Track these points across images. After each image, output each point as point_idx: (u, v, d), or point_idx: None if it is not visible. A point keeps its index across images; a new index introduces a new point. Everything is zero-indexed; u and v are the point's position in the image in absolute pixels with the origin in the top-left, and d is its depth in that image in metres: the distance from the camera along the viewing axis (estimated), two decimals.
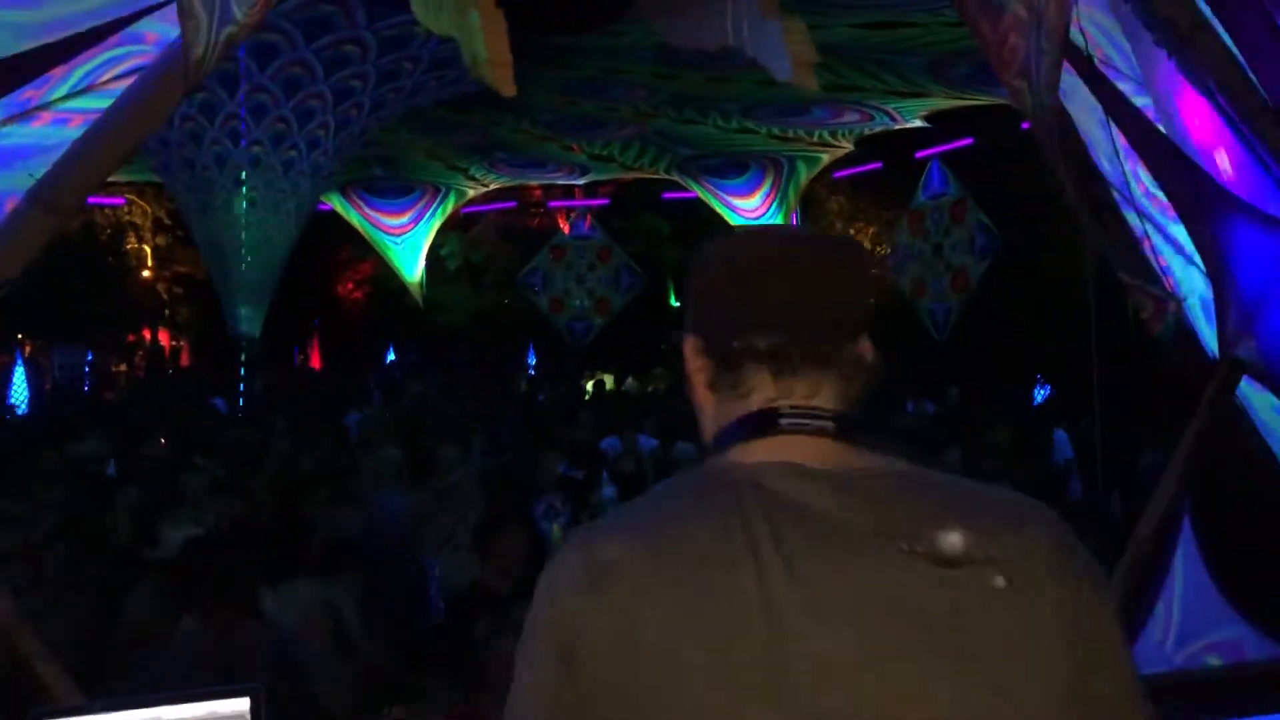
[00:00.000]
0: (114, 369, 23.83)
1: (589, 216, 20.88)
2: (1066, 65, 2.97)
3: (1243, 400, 3.47)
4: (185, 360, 26.40)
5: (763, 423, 1.26)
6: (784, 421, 1.26)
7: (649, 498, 1.27)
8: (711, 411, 1.33)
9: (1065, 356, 10.73)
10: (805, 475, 1.21)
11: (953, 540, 1.15)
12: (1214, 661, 3.46)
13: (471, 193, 20.56)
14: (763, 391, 1.28)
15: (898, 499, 1.20)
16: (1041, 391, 14.09)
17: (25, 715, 2.17)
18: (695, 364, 1.33)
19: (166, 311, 26.23)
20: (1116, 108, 3.02)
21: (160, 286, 26.02)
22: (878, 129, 16.26)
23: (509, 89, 5.86)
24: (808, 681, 1.10)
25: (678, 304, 24.98)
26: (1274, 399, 3.27)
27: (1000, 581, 1.14)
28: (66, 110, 2.91)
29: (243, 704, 2.50)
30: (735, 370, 1.29)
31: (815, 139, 16.98)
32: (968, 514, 1.19)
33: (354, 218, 20.33)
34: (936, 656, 1.12)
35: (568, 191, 22.68)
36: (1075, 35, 3.01)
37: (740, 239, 1.51)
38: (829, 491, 1.19)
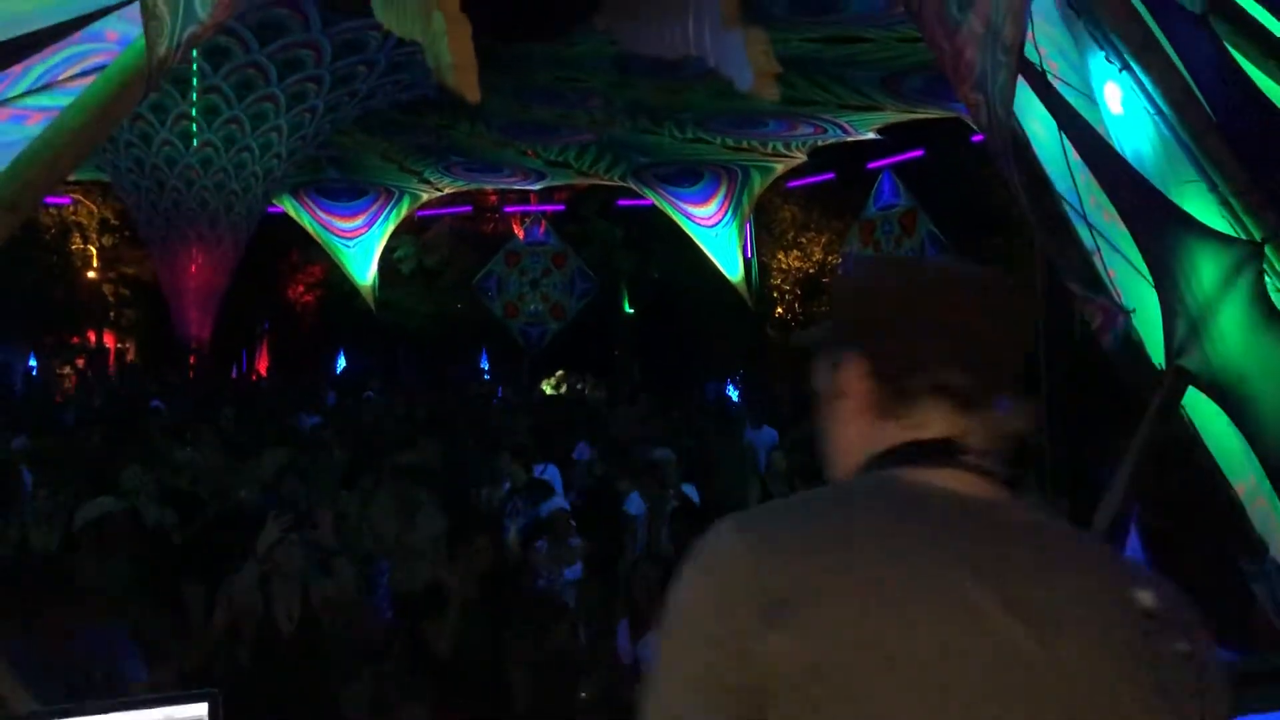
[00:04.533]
0: (59, 371, 23.36)
1: (544, 222, 20.88)
2: (1021, 79, 3.04)
3: (1188, 410, 3.56)
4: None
5: (943, 452, 1.22)
6: (966, 459, 1.22)
7: (824, 503, 1.21)
8: (863, 431, 1.28)
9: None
10: (988, 506, 1.20)
11: (1145, 596, 1.14)
12: None
13: (426, 196, 20.47)
14: (939, 427, 1.24)
15: (1080, 545, 1.22)
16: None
17: None
18: (857, 386, 1.28)
19: (112, 314, 25.75)
20: (1069, 122, 3.09)
21: (106, 288, 25.54)
22: (830, 140, 16.42)
23: (473, 94, 5.82)
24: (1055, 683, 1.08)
25: (631, 310, 25.00)
26: (1218, 408, 3.36)
27: (1184, 647, 1.13)
28: (24, 108, 2.86)
29: (200, 709, 2.48)
30: (909, 400, 1.25)
31: (769, 149, 17.11)
32: (1137, 571, 1.21)
33: (306, 220, 20.14)
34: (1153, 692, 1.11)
35: (523, 197, 22.65)
36: (1030, 50, 3.08)
37: (922, 268, 1.41)
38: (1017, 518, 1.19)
